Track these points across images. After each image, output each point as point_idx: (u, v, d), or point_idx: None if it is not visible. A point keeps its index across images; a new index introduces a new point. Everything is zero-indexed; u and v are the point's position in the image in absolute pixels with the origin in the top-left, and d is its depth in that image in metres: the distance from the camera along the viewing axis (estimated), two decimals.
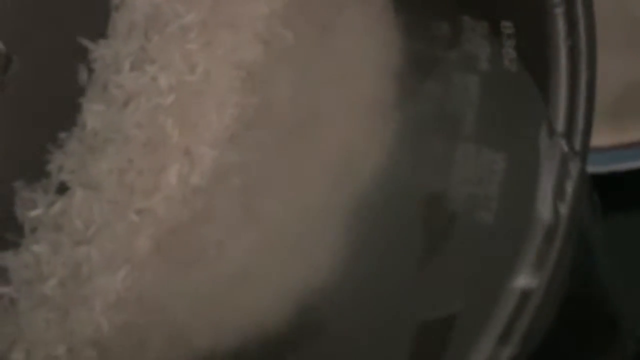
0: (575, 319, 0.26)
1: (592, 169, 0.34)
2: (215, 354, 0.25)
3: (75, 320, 0.26)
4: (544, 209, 0.25)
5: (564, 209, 0.24)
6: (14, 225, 0.26)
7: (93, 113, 0.25)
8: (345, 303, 0.25)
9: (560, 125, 0.25)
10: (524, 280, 0.24)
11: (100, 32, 0.25)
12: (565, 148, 0.25)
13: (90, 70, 0.26)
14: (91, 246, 0.26)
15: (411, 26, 0.27)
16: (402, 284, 0.26)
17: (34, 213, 0.26)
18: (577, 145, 0.25)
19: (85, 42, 0.25)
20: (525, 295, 0.25)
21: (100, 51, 0.25)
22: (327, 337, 0.25)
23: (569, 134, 0.25)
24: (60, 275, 0.26)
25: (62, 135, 0.26)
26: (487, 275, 0.25)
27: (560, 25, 0.25)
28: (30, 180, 0.26)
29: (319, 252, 0.25)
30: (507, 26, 0.26)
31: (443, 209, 0.26)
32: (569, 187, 0.25)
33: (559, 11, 0.25)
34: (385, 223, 0.26)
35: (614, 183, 0.35)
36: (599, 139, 0.34)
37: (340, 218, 0.26)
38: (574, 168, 0.25)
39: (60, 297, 0.26)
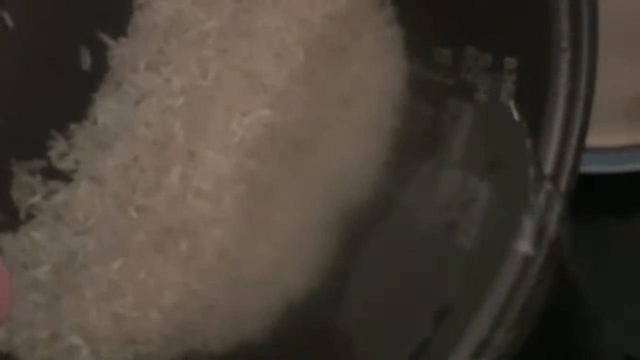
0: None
1: (609, 168, 0.34)
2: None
3: (64, 307, 0.26)
4: (524, 242, 0.26)
5: (543, 246, 0.25)
6: (7, 207, 0.26)
7: (105, 109, 0.26)
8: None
9: (548, 167, 0.26)
10: (495, 309, 0.25)
11: (121, 30, 0.26)
12: (551, 188, 0.26)
13: (107, 67, 0.26)
14: (89, 237, 0.26)
15: (413, 49, 0.28)
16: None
17: (32, 200, 0.26)
18: (563, 186, 0.26)
19: (105, 39, 0.26)
20: (496, 323, 0.26)
21: (119, 49, 0.26)
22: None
23: (556, 176, 0.26)
24: (55, 261, 0.26)
25: (73, 126, 0.26)
26: (460, 301, 0.26)
27: (564, 70, 0.25)
28: (26, 159, 0.26)
29: (314, 259, 0.26)
30: (511, 62, 0.26)
31: (424, 229, 0.27)
32: (551, 226, 0.26)
33: (565, 57, 0.25)
34: (374, 236, 0.27)
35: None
36: (614, 139, 0.35)
37: (333, 228, 0.27)
38: (557, 207, 0.26)
39: (52, 283, 0.26)
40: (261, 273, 0.26)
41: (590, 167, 0.34)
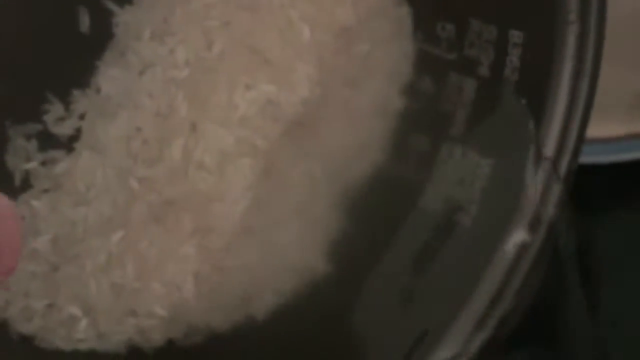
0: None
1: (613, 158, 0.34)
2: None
3: (62, 277, 0.26)
4: (521, 226, 0.26)
5: (539, 231, 0.26)
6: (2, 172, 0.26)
7: (108, 77, 0.26)
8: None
9: (549, 150, 0.26)
10: (491, 291, 0.26)
11: None
12: (550, 171, 0.26)
13: (111, 35, 0.26)
14: (89, 208, 0.26)
15: (415, 23, 0.28)
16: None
17: (27, 166, 0.26)
18: (563, 170, 0.26)
19: (110, 5, 0.25)
20: (493, 302, 0.26)
21: (124, 16, 0.26)
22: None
23: (556, 159, 0.26)
24: (55, 232, 0.26)
25: (75, 92, 0.26)
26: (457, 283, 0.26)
27: (571, 43, 0.25)
28: (21, 122, 0.26)
29: (318, 237, 0.26)
30: (516, 35, 0.26)
31: (423, 205, 0.27)
32: (549, 210, 0.26)
33: (573, 29, 0.25)
34: (374, 214, 0.28)
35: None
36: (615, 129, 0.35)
37: (338, 207, 0.27)
38: (556, 191, 0.26)
39: (50, 254, 0.26)
40: (264, 251, 0.26)
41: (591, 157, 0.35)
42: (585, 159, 0.33)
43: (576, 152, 0.26)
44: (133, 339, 0.26)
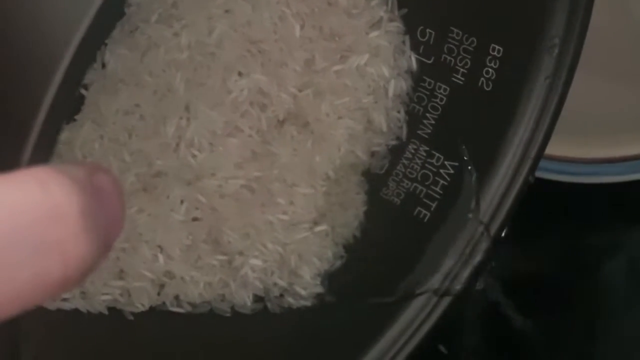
0: None
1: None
2: None
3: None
4: (453, 254, 0.28)
5: (462, 276, 0.28)
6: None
7: (116, 55, 0.26)
8: None
9: (484, 215, 0.28)
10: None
11: None
12: (483, 230, 0.28)
13: (122, 14, 0.26)
14: None
15: None
16: None
17: None
18: (493, 231, 0.28)
19: None
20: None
21: None
22: None
23: (488, 224, 0.28)
24: None
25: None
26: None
27: (549, 63, 0.27)
28: None
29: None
30: (496, 49, 0.27)
31: (385, 196, 0.30)
32: (475, 257, 0.28)
33: (553, 52, 0.26)
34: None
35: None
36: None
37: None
38: (484, 244, 0.28)
39: None
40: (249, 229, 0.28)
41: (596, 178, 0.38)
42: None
43: (505, 222, 0.28)
44: (118, 301, 0.28)
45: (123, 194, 0.15)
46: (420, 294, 0.29)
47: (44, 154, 0.15)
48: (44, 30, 0.16)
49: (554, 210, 0.38)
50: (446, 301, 0.29)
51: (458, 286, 0.28)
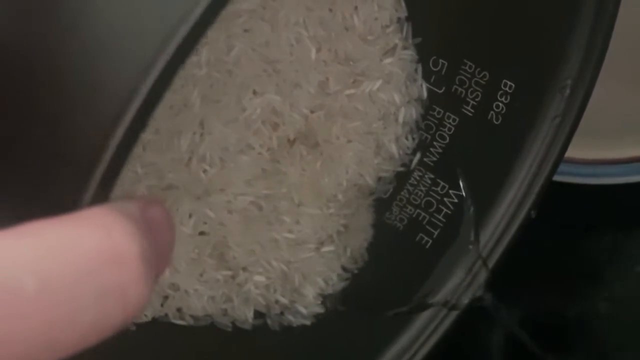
0: None
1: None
2: None
3: None
4: (462, 271, 0.29)
5: (461, 302, 0.28)
6: None
7: None
8: None
9: (483, 249, 0.28)
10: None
11: None
12: (481, 263, 0.28)
13: None
14: None
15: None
16: None
17: None
18: (491, 264, 0.28)
19: None
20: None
21: None
22: None
23: (487, 258, 0.28)
24: None
25: None
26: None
27: (559, 102, 0.27)
28: None
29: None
30: (508, 85, 0.28)
31: (389, 221, 0.31)
32: (473, 286, 0.28)
33: (564, 92, 0.27)
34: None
35: None
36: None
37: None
38: (482, 275, 0.28)
39: None
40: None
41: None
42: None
43: (503, 258, 0.29)
44: None
45: (174, 227, 0.16)
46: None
47: (107, 189, 0.16)
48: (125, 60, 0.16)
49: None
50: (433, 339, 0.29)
51: (451, 316, 0.29)
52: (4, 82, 0.16)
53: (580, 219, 0.40)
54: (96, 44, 0.16)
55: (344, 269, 0.30)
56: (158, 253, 0.15)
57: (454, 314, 0.29)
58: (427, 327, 0.29)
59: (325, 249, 0.29)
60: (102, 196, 0.15)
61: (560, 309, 0.39)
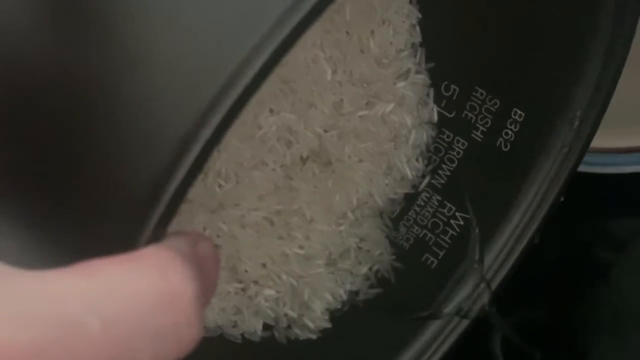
0: None
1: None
2: None
3: None
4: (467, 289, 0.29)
5: (466, 316, 0.29)
6: None
7: None
8: None
9: (487, 272, 0.29)
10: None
11: None
12: (485, 284, 0.29)
13: None
14: None
15: None
16: None
17: None
18: (493, 286, 0.29)
19: None
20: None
21: None
22: None
23: (490, 280, 0.29)
24: None
25: None
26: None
27: (567, 133, 0.28)
28: None
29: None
30: (518, 113, 0.28)
31: (395, 240, 0.32)
32: (477, 304, 0.29)
33: (573, 123, 0.27)
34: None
35: None
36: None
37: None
38: (484, 297, 0.29)
39: None
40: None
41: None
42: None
43: (511, 274, 0.30)
44: None
45: (220, 261, 0.16)
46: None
47: (162, 229, 0.16)
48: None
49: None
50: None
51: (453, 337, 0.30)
52: (65, 117, 0.16)
53: (589, 208, 0.40)
54: (158, 84, 0.16)
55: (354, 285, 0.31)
56: (207, 288, 0.16)
57: (456, 334, 0.30)
58: (427, 348, 0.29)
59: (335, 265, 0.30)
60: (157, 236, 0.16)
61: (560, 308, 0.39)
